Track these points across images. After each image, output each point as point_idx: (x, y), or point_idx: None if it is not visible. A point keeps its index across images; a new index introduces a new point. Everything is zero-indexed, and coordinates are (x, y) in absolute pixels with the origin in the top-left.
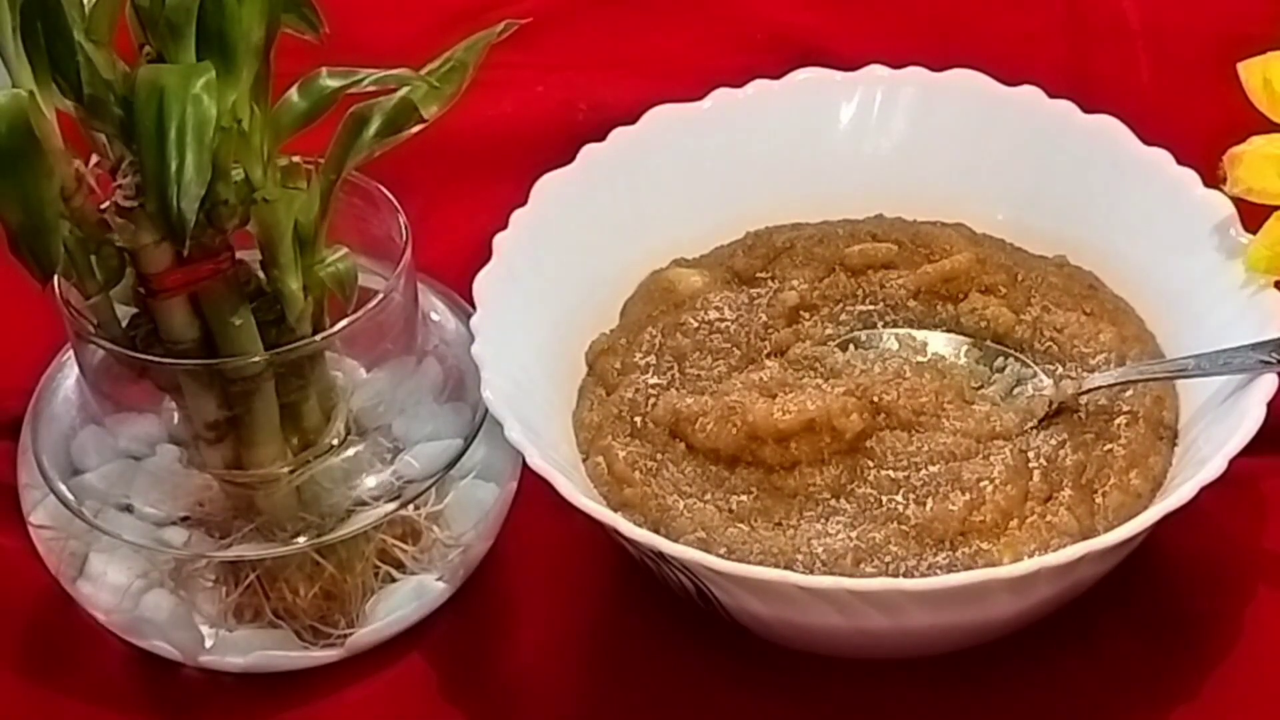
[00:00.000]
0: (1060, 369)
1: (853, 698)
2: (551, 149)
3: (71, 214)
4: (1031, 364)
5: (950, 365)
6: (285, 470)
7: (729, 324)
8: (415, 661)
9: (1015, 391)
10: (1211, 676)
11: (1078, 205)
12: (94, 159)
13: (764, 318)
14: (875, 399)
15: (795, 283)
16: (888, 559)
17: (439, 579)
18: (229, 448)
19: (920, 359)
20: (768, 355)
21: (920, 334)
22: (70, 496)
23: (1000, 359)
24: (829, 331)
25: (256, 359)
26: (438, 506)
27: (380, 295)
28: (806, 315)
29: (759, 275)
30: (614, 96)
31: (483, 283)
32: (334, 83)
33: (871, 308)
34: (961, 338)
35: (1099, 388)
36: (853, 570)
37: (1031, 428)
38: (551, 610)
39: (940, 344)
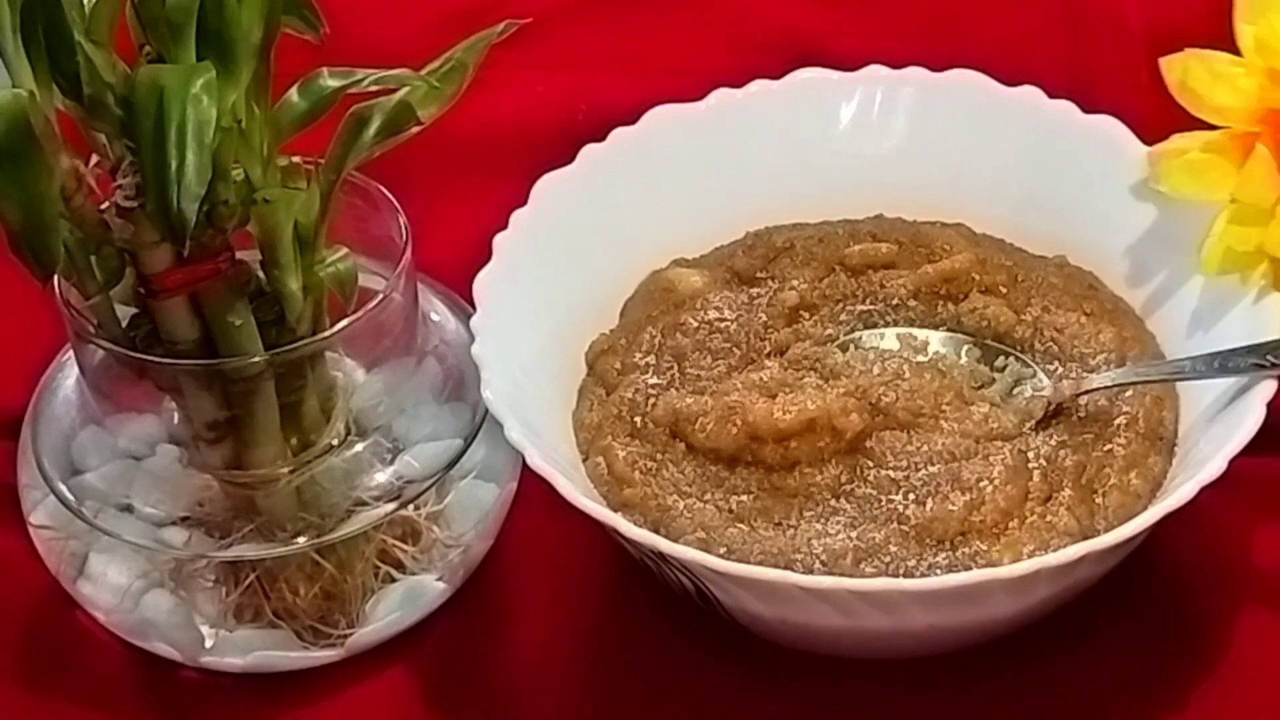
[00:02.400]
0: (1060, 369)
1: (853, 698)
2: (551, 149)
3: (71, 214)
4: (1031, 363)
5: (950, 365)
6: (285, 470)
7: (729, 324)
8: (415, 662)
9: (1015, 391)
10: (1211, 676)
11: (1078, 205)
12: (94, 159)
13: (764, 318)
14: (874, 400)
15: (795, 283)
16: (888, 559)
17: (439, 579)
18: (229, 448)
19: (920, 359)
20: (767, 355)
21: (920, 333)
22: (70, 496)
23: (1001, 358)
24: (829, 331)
25: (256, 359)
26: (438, 506)
27: (380, 295)
28: (806, 315)
29: (759, 275)
30: (614, 96)
31: (483, 283)
32: (334, 83)
33: (871, 308)
34: (962, 337)
35: (1097, 389)
36: (853, 570)
37: (1030, 428)
38: (551, 610)
39: (940, 343)
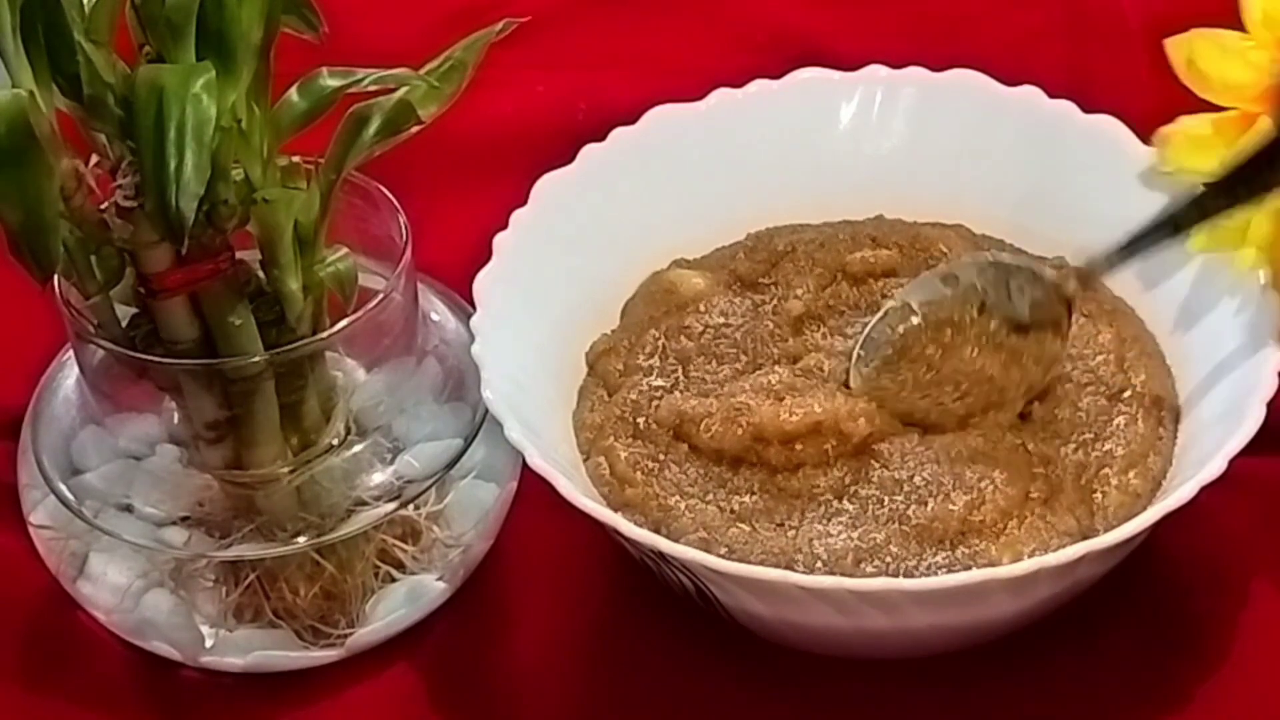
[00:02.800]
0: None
1: (853, 698)
2: (551, 149)
3: (71, 214)
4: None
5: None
6: (285, 470)
7: (734, 330)
8: (415, 661)
9: (1033, 301)
10: (1211, 676)
11: (1078, 205)
12: (94, 159)
13: (770, 325)
14: (893, 411)
15: (799, 291)
16: (888, 559)
17: (439, 579)
18: (229, 448)
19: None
20: (776, 363)
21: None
22: (70, 496)
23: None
24: (837, 344)
25: (256, 359)
26: (438, 506)
27: (380, 295)
28: (813, 326)
29: (762, 280)
30: (614, 96)
31: (483, 283)
32: (334, 83)
33: (874, 318)
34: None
35: (1104, 263)
36: (853, 570)
37: (1070, 332)
38: (551, 610)
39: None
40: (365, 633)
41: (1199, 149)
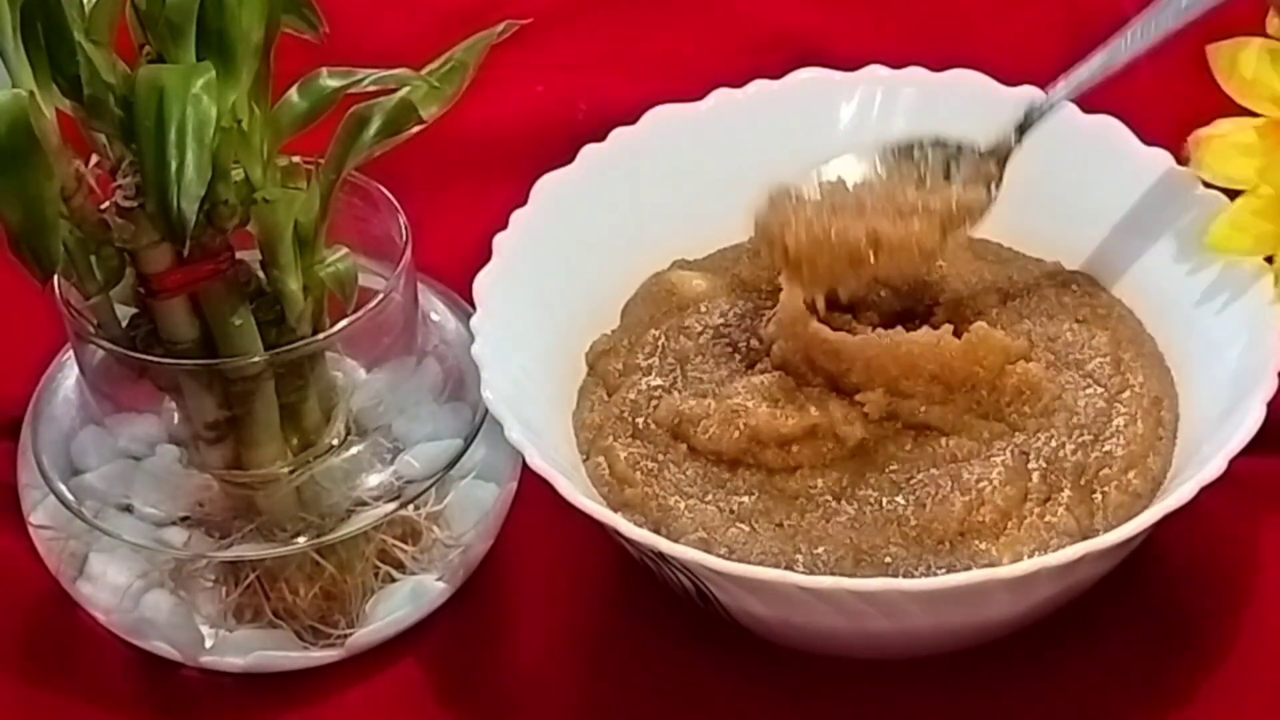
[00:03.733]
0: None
1: (853, 698)
2: (551, 149)
3: (71, 214)
4: (948, 142)
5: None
6: (285, 470)
7: (732, 329)
8: (415, 662)
9: (950, 175)
10: (1211, 676)
11: (1078, 205)
12: (94, 159)
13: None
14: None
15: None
16: (888, 560)
17: (439, 579)
18: (229, 448)
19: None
20: (768, 355)
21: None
22: (70, 496)
23: (915, 150)
24: None
25: (256, 359)
26: (438, 506)
27: (380, 295)
28: None
29: (765, 287)
30: (614, 96)
31: (483, 283)
32: (334, 83)
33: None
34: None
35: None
36: (853, 571)
37: (996, 192)
38: (551, 610)
39: (852, 168)
40: (365, 633)
41: (1240, 155)
